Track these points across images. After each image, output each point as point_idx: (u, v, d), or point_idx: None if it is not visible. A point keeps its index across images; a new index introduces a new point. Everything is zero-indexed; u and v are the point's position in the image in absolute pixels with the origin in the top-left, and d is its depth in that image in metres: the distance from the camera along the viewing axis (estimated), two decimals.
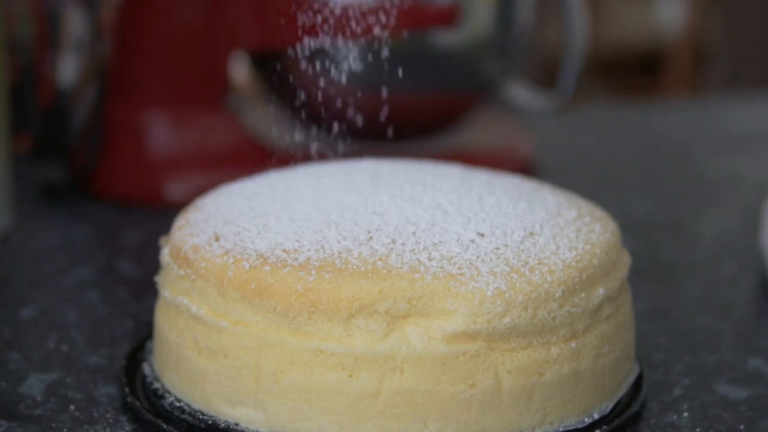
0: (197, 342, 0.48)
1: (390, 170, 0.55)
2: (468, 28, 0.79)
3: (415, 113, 0.79)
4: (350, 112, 0.74)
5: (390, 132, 0.65)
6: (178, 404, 0.49)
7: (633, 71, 2.19)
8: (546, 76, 0.86)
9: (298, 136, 0.82)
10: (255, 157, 0.76)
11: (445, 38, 0.78)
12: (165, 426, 0.48)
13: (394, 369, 0.46)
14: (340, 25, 0.74)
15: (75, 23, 0.74)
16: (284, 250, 0.47)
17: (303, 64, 0.75)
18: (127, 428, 0.49)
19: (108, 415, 0.50)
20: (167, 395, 0.50)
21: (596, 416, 0.49)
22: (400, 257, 0.47)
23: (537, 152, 0.86)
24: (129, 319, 0.60)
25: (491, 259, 0.47)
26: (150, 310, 0.54)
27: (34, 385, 0.53)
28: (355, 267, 0.46)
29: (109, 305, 0.62)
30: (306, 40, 0.64)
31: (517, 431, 0.47)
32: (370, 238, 0.48)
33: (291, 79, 0.78)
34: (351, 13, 0.67)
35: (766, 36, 1.92)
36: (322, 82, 0.70)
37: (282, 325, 0.46)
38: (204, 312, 0.48)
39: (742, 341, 0.59)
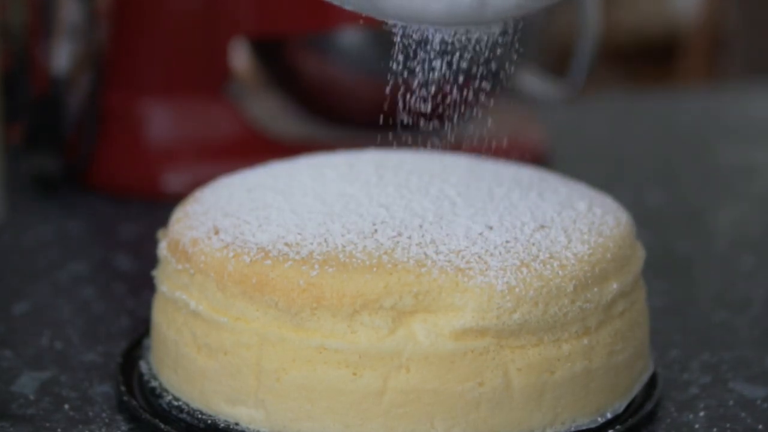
0: (196, 339, 0.48)
1: (396, 161, 0.55)
2: None
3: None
4: (354, 100, 0.73)
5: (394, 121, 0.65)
6: (176, 403, 0.49)
7: (647, 59, 2.19)
8: (558, 63, 0.85)
9: (301, 125, 0.81)
10: (256, 148, 0.77)
11: None
12: (163, 426, 0.48)
13: (399, 367, 0.46)
14: (345, 11, 0.73)
15: (70, 8, 0.74)
16: (286, 244, 0.47)
17: (306, 52, 0.74)
18: (123, 428, 0.49)
19: (104, 415, 0.50)
20: (165, 394, 0.50)
21: (609, 416, 0.49)
22: (406, 251, 0.46)
23: (548, 142, 0.86)
24: (125, 316, 0.60)
25: (500, 253, 0.47)
26: (147, 306, 0.54)
27: (27, 384, 0.52)
28: (359, 261, 0.46)
29: (105, 301, 0.62)
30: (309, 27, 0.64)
31: (527, 431, 0.47)
32: (375, 231, 0.48)
33: (293, 66, 0.77)
34: None
35: None
36: (325, 70, 0.69)
37: (284, 321, 0.46)
38: (203, 308, 0.48)
39: (761, 338, 0.59)
